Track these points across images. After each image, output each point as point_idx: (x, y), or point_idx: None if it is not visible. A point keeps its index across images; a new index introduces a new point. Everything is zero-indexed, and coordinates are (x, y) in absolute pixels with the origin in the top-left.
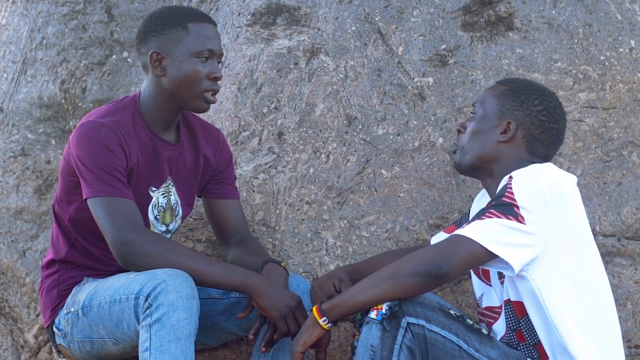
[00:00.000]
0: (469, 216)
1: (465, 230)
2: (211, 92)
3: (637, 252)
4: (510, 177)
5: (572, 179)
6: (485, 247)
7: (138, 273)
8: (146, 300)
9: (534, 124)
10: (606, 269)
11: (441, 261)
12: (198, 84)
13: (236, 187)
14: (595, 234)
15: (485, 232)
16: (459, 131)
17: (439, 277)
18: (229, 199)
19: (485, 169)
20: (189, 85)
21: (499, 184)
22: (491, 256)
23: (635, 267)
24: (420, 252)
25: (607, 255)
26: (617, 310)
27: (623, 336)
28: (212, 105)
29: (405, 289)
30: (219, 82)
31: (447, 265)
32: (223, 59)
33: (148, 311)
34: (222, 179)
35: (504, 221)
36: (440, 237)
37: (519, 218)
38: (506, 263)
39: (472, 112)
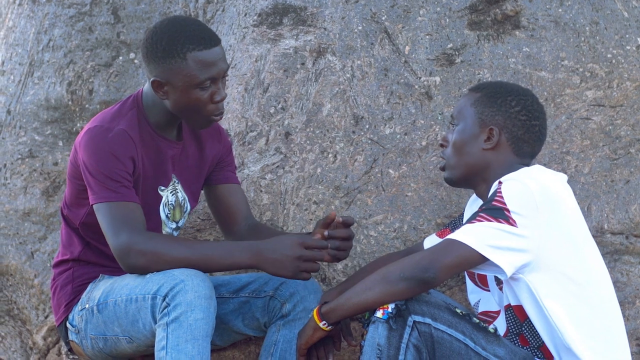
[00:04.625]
0: (462, 219)
1: (457, 234)
2: (217, 114)
3: None
4: (500, 182)
5: (561, 178)
6: (476, 251)
7: (155, 273)
8: (164, 299)
9: (515, 126)
10: (614, 267)
11: (428, 265)
12: (202, 108)
13: (237, 176)
14: (603, 232)
15: (476, 235)
16: (441, 145)
17: (426, 280)
18: (232, 183)
19: (478, 178)
20: (192, 111)
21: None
22: (482, 259)
23: None
24: (410, 257)
25: (615, 253)
26: (626, 308)
27: (632, 334)
28: None
29: (394, 293)
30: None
31: (434, 269)
32: (230, 59)
33: (166, 310)
34: (224, 166)
35: (494, 224)
36: (432, 239)
37: (510, 221)
38: (498, 266)
39: (452, 124)
